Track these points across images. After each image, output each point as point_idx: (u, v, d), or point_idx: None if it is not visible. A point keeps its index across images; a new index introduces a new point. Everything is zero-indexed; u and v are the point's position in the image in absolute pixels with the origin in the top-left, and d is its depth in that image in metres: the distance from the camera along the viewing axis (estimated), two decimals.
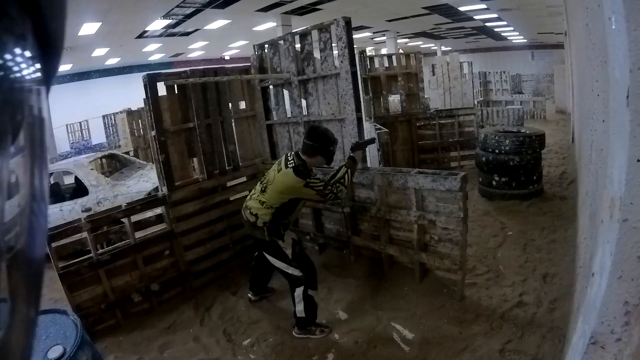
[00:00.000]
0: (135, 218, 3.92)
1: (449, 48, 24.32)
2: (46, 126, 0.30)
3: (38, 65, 0.29)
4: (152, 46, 15.57)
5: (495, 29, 18.67)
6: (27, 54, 0.28)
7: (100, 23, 10.56)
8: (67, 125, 17.56)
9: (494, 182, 5.77)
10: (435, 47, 25.13)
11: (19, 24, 0.26)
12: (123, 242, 3.91)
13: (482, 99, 14.32)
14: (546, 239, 4.44)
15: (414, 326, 3.23)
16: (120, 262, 3.79)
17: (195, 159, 4.35)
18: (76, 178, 6.07)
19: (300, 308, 3.20)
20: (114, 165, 7.57)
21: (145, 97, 3.87)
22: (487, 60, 24.18)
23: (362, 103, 4.18)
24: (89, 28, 10.83)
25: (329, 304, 3.62)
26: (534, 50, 24.01)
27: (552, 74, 16.31)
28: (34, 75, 0.29)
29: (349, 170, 3.20)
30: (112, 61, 17.83)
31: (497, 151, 5.60)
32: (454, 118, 7.52)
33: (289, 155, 3.13)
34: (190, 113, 4.15)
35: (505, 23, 16.80)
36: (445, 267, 3.49)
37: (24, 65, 0.27)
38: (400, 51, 15.93)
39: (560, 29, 13.05)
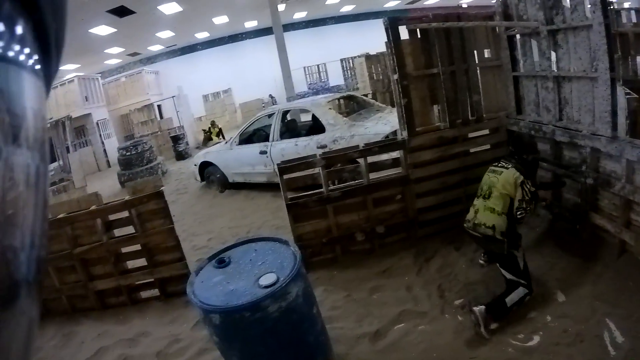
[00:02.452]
0: (370, 160, 4.06)
1: None
2: (45, 127, 0.30)
3: (38, 66, 0.29)
4: None
5: None
6: (27, 54, 0.27)
7: None
8: (304, 68, 19.69)
9: None
10: None
11: (19, 24, 0.26)
12: (356, 181, 4.10)
13: None
14: None
15: (628, 329, 2.66)
16: (349, 200, 4.02)
17: (436, 106, 4.26)
18: (313, 116, 6.54)
19: (512, 297, 2.95)
20: (351, 106, 7.85)
21: (386, 40, 3.89)
22: None
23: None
24: None
25: (549, 280, 3.23)
26: None
27: None
28: (33, 76, 0.28)
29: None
30: (347, 8, 18.79)
31: None
32: None
33: (501, 161, 3.25)
34: (434, 59, 4.03)
35: None
36: None
37: (24, 65, 0.27)
38: None
39: None
